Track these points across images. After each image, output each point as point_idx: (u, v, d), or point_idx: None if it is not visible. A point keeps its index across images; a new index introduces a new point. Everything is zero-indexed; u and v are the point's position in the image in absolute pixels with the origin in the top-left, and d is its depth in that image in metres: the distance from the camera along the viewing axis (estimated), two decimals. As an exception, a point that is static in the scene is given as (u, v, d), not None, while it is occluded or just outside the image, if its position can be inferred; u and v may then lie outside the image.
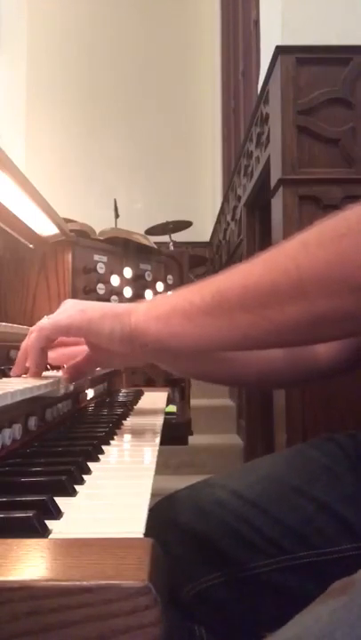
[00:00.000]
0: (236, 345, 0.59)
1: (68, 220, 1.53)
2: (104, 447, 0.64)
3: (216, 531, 0.74)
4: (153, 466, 0.55)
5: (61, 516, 0.40)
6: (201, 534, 0.74)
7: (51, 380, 0.69)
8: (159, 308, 0.61)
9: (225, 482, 0.79)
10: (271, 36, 2.22)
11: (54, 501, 0.41)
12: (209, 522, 0.74)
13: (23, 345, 0.72)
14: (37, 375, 0.70)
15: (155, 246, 1.70)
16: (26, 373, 0.73)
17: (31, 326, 0.72)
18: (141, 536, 0.36)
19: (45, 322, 0.68)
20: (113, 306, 0.68)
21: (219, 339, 0.57)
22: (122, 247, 1.54)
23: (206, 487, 0.80)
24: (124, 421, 0.85)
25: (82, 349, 0.74)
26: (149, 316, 0.62)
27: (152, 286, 1.62)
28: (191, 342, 0.59)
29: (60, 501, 0.42)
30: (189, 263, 1.82)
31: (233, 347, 0.61)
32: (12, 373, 0.74)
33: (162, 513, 0.78)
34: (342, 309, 0.47)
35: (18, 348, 0.74)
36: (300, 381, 1.02)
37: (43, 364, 0.71)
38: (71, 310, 0.67)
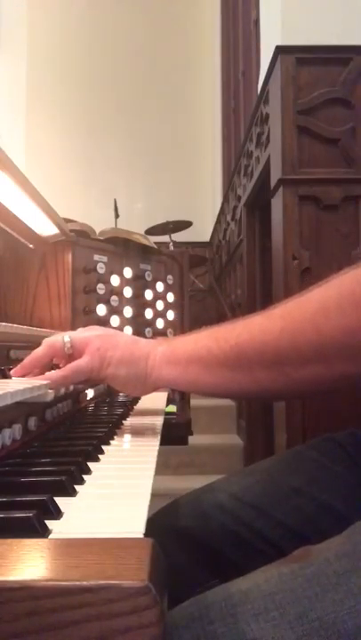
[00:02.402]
0: (253, 396, 0.61)
1: (68, 220, 1.53)
2: (104, 447, 0.64)
3: (216, 535, 0.74)
4: (153, 466, 0.55)
5: (61, 516, 0.40)
6: (201, 539, 0.74)
7: (48, 382, 0.69)
8: (177, 353, 0.62)
9: (224, 486, 0.79)
10: (271, 36, 2.22)
11: (54, 501, 0.41)
12: (209, 526, 0.74)
13: (34, 358, 0.73)
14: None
15: (155, 246, 1.70)
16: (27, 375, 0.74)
17: (31, 326, 0.72)
18: (141, 536, 0.36)
19: (68, 368, 0.69)
20: (135, 348, 0.68)
21: (236, 390, 0.58)
22: (122, 247, 1.54)
23: (206, 492, 0.80)
24: (124, 421, 0.84)
25: None
26: (167, 360, 0.63)
27: (152, 286, 1.62)
28: (208, 390, 0.60)
29: (60, 501, 0.42)
30: (189, 263, 1.82)
31: (251, 397, 0.63)
32: (14, 372, 0.73)
33: (163, 519, 0.78)
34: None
35: (18, 348, 0.74)
36: (309, 394, 1.03)
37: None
38: (92, 348, 0.68)
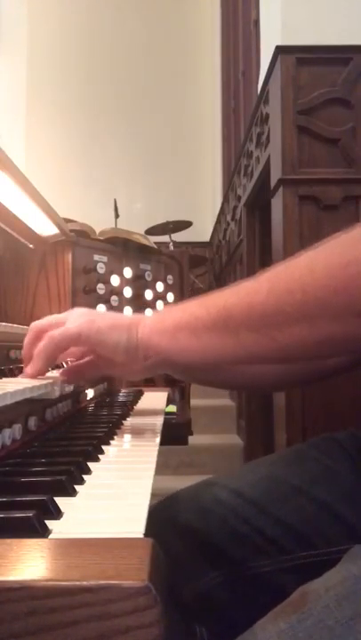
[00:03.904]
0: (241, 361, 0.60)
1: (68, 220, 1.53)
2: (104, 447, 0.64)
3: (216, 530, 0.74)
4: (153, 466, 0.55)
5: (61, 516, 0.40)
6: (201, 534, 0.74)
7: (50, 381, 0.69)
8: (165, 322, 0.62)
9: (225, 481, 0.79)
10: (271, 36, 2.22)
11: (54, 501, 0.41)
12: (209, 521, 0.74)
13: (26, 347, 0.72)
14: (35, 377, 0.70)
15: (155, 246, 1.70)
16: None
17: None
18: (141, 536, 0.36)
19: (55, 331, 0.68)
20: (121, 316, 0.68)
21: (224, 354, 0.57)
22: (122, 247, 1.54)
23: (206, 487, 0.79)
24: (124, 421, 0.84)
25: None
26: (155, 330, 0.62)
27: (152, 286, 1.62)
28: (196, 357, 0.59)
29: (60, 501, 0.42)
30: (189, 263, 1.82)
31: (238, 362, 0.62)
32: (25, 376, 0.72)
33: (162, 513, 0.78)
34: (346, 332, 0.48)
35: (18, 348, 0.73)
36: (304, 382, 1.02)
37: (45, 371, 0.71)
38: (80, 319, 0.67)
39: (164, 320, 0.62)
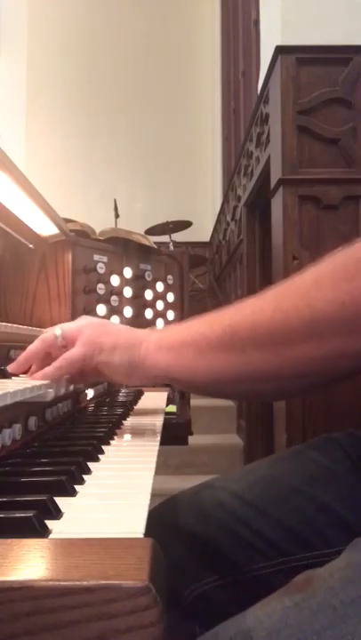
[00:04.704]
0: (247, 378, 0.58)
1: (68, 220, 1.53)
2: (104, 447, 0.64)
3: (216, 533, 0.74)
4: (153, 466, 0.55)
5: (61, 516, 0.40)
6: (201, 536, 0.74)
7: (50, 381, 0.69)
8: (170, 340, 0.62)
9: (225, 484, 0.79)
10: (271, 36, 2.21)
11: (54, 501, 0.41)
12: (209, 524, 0.74)
13: (29, 354, 0.72)
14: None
15: (155, 246, 1.70)
16: (25, 372, 0.74)
17: (31, 326, 0.72)
18: (141, 536, 0.36)
19: (61, 362, 0.69)
20: (126, 334, 0.68)
21: (231, 373, 0.56)
22: (122, 247, 1.54)
23: (206, 489, 0.79)
24: (124, 421, 0.84)
25: None
26: (160, 348, 0.62)
27: (152, 286, 1.62)
28: (202, 375, 0.59)
29: (60, 501, 0.42)
30: (189, 263, 1.82)
31: (244, 380, 0.60)
32: (9, 368, 0.74)
33: (162, 515, 0.78)
34: (356, 346, 0.47)
35: (18, 348, 0.74)
36: (304, 391, 1.02)
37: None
38: (84, 337, 0.68)
39: (169, 338, 0.62)
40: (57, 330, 0.71)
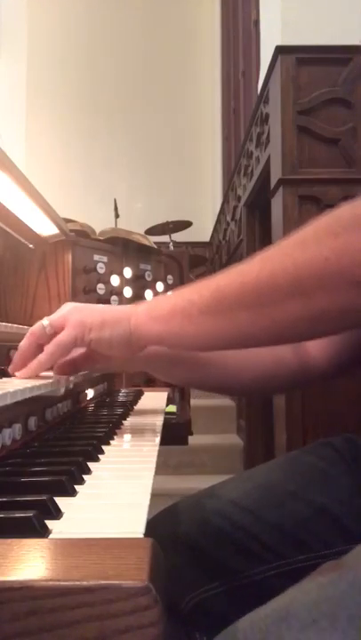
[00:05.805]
0: (236, 343, 0.59)
1: (68, 220, 1.53)
2: (104, 447, 0.64)
3: (214, 540, 0.74)
4: (153, 466, 0.55)
5: (61, 516, 0.40)
6: (199, 544, 0.74)
7: (51, 380, 0.69)
8: (159, 309, 0.62)
9: (222, 491, 0.79)
10: (271, 36, 2.22)
11: (54, 501, 0.41)
12: (207, 532, 0.74)
13: (21, 351, 0.72)
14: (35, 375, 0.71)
15: (155, 246, 1.70)
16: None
17: (31, 326, 0.72)
18: (141, 536, 0.36)
19: (52, 346, 0.69)
20: (112, 310, 0.68)
21: (219, 337, 0.57)
22: (122, 247, 1.54)
23: (204, 497, 0.80)
24: (124, 421, 0.84)
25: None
26: (150, 317, 0.62)
27: (152, 286, 1.62)
28: (192, 341, 0.59)
29: (60, 501, 0.42)
30: (189, 263, 1.82)
31: (233, 344, 0.61)
32: (10, 370, 0.73)
33: (161, 524, 0.78)
34: (341, 304, 0.48)
35: (17, 348, 0.73)
36: (296, 385, 1.02)
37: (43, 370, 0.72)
38: (71, 320, 0.68)
39: (158, 307, 0.62)
40: (44, 321, 0.71)
